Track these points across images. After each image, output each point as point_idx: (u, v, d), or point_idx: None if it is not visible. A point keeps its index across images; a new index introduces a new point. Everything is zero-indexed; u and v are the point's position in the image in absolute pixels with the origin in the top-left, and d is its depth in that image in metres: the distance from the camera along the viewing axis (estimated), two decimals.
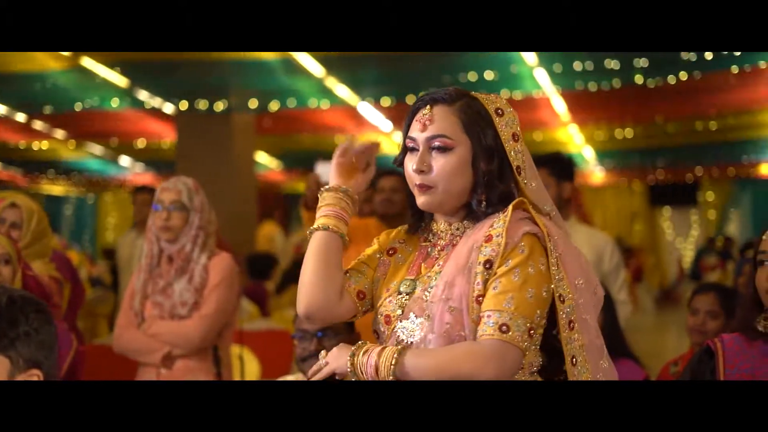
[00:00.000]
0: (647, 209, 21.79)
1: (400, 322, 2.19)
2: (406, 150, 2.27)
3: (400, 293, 2.24)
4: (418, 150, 2.22)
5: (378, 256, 2.35)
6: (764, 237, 2.61)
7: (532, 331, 2.09)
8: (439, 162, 2.19)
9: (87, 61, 8.82)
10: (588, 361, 2.17)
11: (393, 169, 5.12)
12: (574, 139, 14.80)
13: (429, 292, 2.17)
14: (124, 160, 16.84)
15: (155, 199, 3.96)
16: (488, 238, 2.14)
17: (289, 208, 21.89)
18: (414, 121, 2.24)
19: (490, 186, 2.20)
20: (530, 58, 8.92)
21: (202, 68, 9.23)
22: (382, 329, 2.24)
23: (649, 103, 11.63)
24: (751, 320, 2.61)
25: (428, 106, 2.22)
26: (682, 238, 21.69)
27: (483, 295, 2.11)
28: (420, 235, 2.35)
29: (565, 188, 4.47)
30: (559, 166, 4.46)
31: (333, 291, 2.24)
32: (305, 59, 8.88)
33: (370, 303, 2.32)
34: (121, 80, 9.76)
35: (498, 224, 2.15)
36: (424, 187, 2.21)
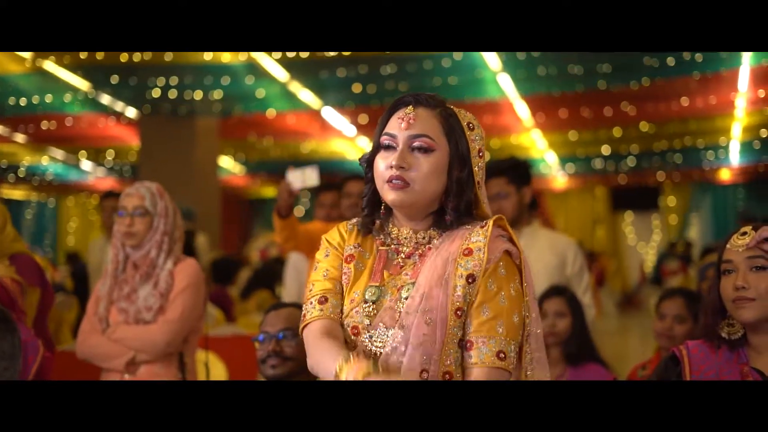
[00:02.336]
0: (609, 214, 21.95)
1: (368, 332, 2.18)
2: (378, 148, 2.24)
3: (366, 302, 2.21)
4: (395, 147, 2.20)
5: (340, 267, 2.30)
6: (728, 246, 2.60)
7: (517, 351, 2.14)
8: (419, 161, 2.18)
9: (48, 65, 8.74)
10: (534, 375, 2.21)
11: (360, 173, 5.12)
12: (536, 144, 14.90)
13: (402, 303, 2.15)
14: (86, 165, 16.70)
15: (119, 205, 3.91)
16: (467, 252, 2.15)
17: (252, 212, 21.78)
18: (394, 118, 2.23)
19: (460, 194, 2.21)
20: (494, 63, 8.95)
21: (165, 72, 9.17)
22: (350, 340, 2.20)
23: (611, 108, 11.73)
24: (714, 327, 2.61)
25: (411, 106, 2.22)
26: (643, 243, 21.88)
27: (462, 309, 2.12)
28: (375, 238, 2.32)
29: (526, 193, 4.46)
30: (517, 172, 4.43)
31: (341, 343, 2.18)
32: (269, 63, 8.85)
33: None
34: (82, 84, 9.69)
35: (477, 238, 2.16)
36: (400, 184, 2.18)
